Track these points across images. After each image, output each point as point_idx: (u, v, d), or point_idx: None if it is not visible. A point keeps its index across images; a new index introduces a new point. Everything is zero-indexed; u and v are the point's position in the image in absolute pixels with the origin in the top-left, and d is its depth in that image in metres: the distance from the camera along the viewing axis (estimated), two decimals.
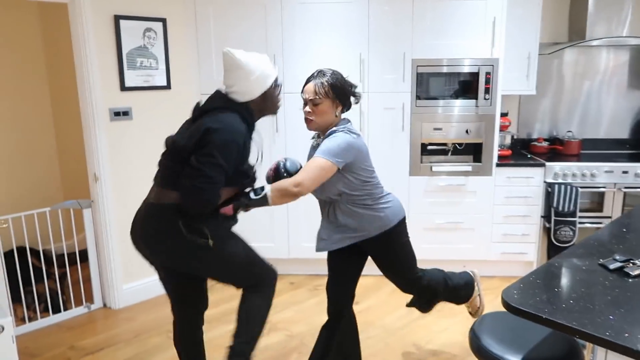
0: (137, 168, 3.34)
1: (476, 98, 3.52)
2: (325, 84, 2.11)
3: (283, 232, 3.74)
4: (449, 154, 3.69)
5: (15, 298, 3.14)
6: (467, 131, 3.59)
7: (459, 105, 3.56)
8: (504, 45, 3.47)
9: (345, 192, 2.14)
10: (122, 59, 3.18)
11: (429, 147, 3.67)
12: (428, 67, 3.50)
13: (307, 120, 2.15)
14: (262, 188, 2.06)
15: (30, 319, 3.08)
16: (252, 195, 2.05)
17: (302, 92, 2.16)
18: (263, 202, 2.03)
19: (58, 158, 4.14)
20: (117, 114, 3.21)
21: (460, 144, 3.66)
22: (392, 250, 2.29)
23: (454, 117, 3.57)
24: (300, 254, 3.75)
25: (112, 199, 3.24)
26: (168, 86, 3.41)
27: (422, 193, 3.68)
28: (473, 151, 3.67)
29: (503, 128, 3.82)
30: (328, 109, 2.12)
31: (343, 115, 2.20)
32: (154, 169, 3.40)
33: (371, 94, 3.54)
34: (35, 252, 3.38)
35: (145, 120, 3.35)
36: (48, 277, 3.25)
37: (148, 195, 2.10)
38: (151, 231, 1.99)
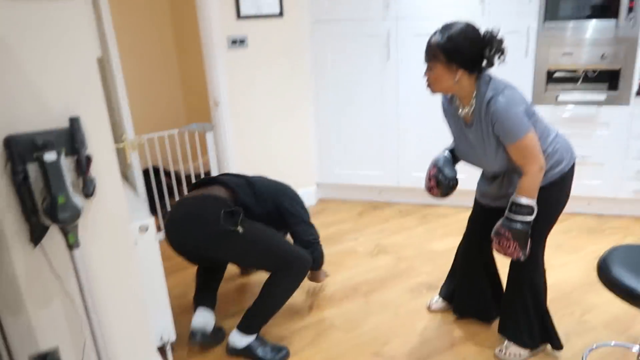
0: (253, 95, 3.47)
1: (616, 18, 3.11)
2: (435, 46, 1.81)
3: (392, 161, 3.72)
4: (579, 81, 3.35)
5: (151, 211, 3.53)
6: (602, 56, 3.21)
7: (595, 27, 3.17)
8: None
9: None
10: None
11: (556, 75, 3.36)
12: None
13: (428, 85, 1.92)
14: (517, 206, 1.87)
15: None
16: (516, 217, 1.87)
17: None
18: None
19: (181, 85, 4.42)
20: (234, 42, 3.32)
21: (593, 71, 3.30)
22: (548, 203, 1.95)
23: (587, 41, 3.21)
24: (409, 183, 3.72)
25: (231, 123, 3.43)
26: (280, 14, 3.43)
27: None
28: (608, 79, 3.29)
29: None
30: (443, 74, 1.84)
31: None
32: (269, 95, 3.53)
33: (492, 15, 3.28)
34: (165, 172, 3.73)
35: (259, 49, 3.43)
36: (178, 194, 3.58)
37: (193, 193, 2.33)
38: (195, 218, 2.17)
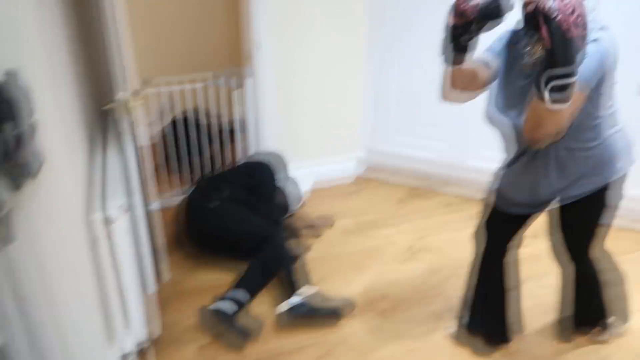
0: (304, 37, 2.97)
1: None
2: None
3: (456, 142, 3.14)
4: None
5: (172, 168, 3.23)
6: None
7: None
8: None
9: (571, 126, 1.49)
10: None
11: None
12: None
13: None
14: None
15: None
16: None
17: None
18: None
19: (228, 22, 3.95)
20: None
21: None
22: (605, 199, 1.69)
23: None
24: (465, 174, 3.15)
25: (274, 69, 2.96)
26: None
27: None
28: None
29: None
30: None
31: None
32: (324, 38, 2.99)
33: None
34: (200, 120, 3.36)
35: None
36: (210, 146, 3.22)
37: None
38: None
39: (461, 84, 1.55)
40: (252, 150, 3.17)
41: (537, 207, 1.78)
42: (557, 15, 1.17)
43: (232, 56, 3.92)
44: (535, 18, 1.20)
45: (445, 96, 1.58)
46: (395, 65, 3.12)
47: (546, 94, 1.25)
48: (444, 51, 1.48)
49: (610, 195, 1.69)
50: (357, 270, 2.53)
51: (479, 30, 1.40)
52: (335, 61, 3.10)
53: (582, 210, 1.73)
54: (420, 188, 3.35)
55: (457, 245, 2.74)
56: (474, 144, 3.05)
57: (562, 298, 2.04)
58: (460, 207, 3.13)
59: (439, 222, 2.96)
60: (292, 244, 2.50)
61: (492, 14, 1.35)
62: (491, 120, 1.67)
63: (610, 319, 2.07)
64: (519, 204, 1.78)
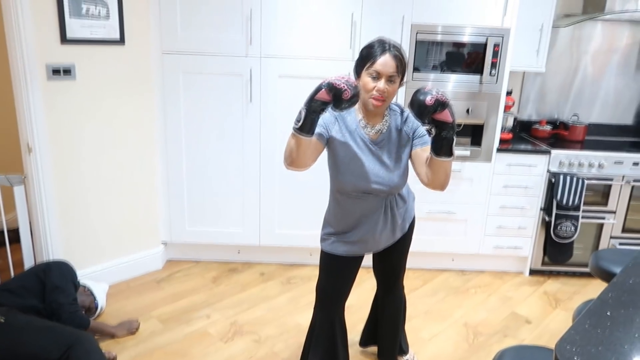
0: (80, 137, 2.81)
1: (481, 73, 3.09)
2: (403, 59, 1.78)
3: (254, 217, 3.29)
4: None
5: None
6: (467, 111, 3.17)
7: (461, 81, 3.12)
8: (517, 14, 3.02)
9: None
10: (62, 4, 2.59)
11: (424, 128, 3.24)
12: (429, 34, 3.02)
13: (377, 100, 1.75)
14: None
15: None
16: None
17: (373, 64, 1.73)
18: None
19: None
20: (56, 71, 2.64)
21: (458, 125, 3.23)
22: (411, 237, 2.16)
23: (453, 94, 3.14)
24: (272, 241, 3.32)
25: (50, 173, 2.72)
26: (121, 41, 2.84)
27: (410, 178, 3.26)
28: (471, 134, 3.26)
29: (506, 109, 3.41)
30: (396, 88, 1.79)
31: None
32: (100, 138, 2.90)
33: None
34: None
35: (92, 81, 2.79)
36: None
37: None
38: None
39: (303, 153, 1.67)
40: (35, 259, 2.81)
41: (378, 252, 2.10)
42: (448, 100, 1.60)
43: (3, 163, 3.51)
44: (433, 107, 1.57)
45: (292, 162, 1.68)
46: (191, 159, 3.20)
47: (455, 152, 1.69)
48: (302, 121, 1.59)
49: (411, 233, 2.12)
50: (183, 359, 2.40)
51: (340, 109, 1.62)
52: (125, 158, 3.00)
53: (399, 248, 2.10)
54: (234, 262, 3.39)
55: (278, 312, 2.82)
56: (266, 226, 3.29)
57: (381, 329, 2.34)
58: (275, 274, 3.25)
59: (257, 293, 3.02)
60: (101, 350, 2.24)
61: (354, 99, 1.59)
62: (369, 189, 1.87)
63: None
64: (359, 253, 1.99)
